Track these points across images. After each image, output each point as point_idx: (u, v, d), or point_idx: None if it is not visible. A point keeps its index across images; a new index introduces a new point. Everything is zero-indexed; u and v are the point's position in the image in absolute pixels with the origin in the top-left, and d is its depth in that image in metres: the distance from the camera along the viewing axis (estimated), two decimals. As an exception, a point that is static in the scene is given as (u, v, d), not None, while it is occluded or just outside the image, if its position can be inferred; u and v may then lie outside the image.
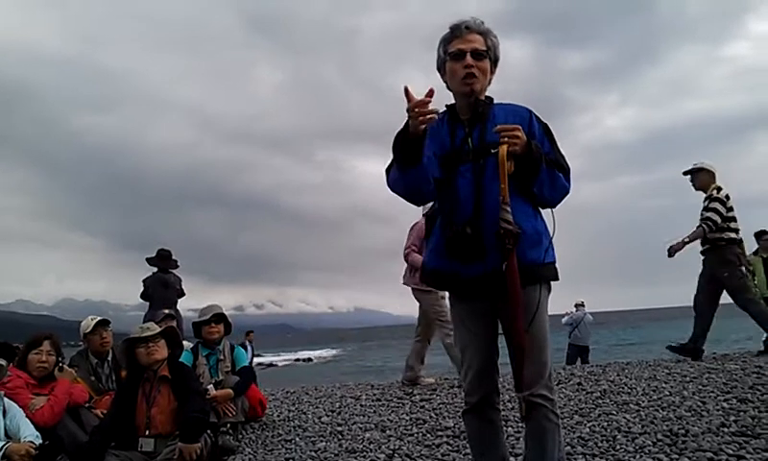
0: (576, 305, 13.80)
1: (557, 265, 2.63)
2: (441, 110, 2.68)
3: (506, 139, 2.37)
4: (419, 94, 2.27)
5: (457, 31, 2.60)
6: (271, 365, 37.63)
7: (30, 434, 3.69)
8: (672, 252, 6.61)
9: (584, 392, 5.23)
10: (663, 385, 5.25)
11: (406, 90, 2.27)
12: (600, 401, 4.85)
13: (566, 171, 2.58)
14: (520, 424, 4.33)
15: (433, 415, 4.99)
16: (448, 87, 2.68)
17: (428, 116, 2.25)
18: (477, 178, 2.51)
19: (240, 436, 4.83)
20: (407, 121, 2.30)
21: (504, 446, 2.79)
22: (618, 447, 3.68)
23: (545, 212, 2.65)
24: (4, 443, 3.53)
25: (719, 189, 6.78)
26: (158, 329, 4.13)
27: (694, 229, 6.70)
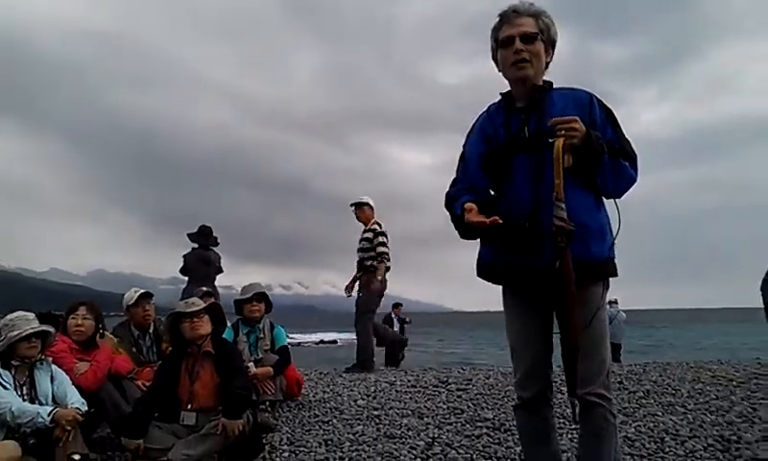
0: (609, 302, 13.60)
1: (616, 261, 2.53)
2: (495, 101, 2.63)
3: (562, 132, 2.27)
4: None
5: (505, 17, 2.51)
6: (299, 345, 38.02)
7: (76, 401, 3.73)
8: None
9: (626, 391, 5.12)
10: (708, 388, 5.12)
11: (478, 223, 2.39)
12: (644, 402, 4.75)
13: (632, 159, 2.44)
14: (567, 421, 4.25)
15: (470, 405, 4.94)
16: (505, 76, 2.57)
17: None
18: (536, 170, 2.41)
19: (277, 414, 4.84)
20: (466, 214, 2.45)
21: (556, 442, 2.72)
22: (667, 449, 3.60)
23: (609, 204, 2.55)
24: (52, 408, 3.57)
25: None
26: (203, 305, 4.13)
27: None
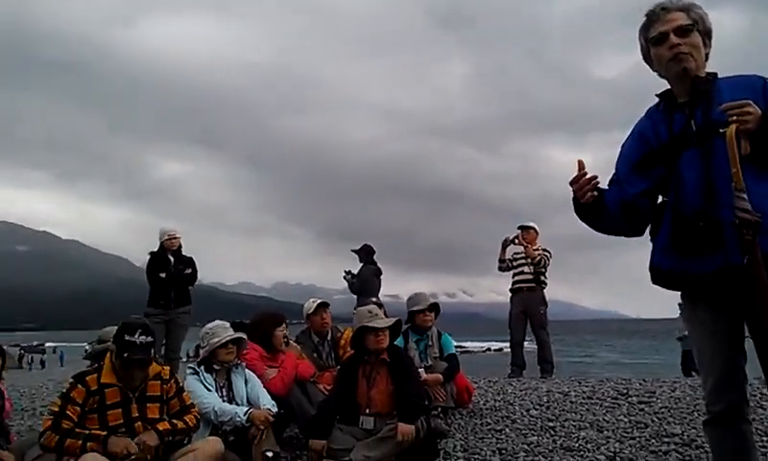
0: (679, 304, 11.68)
1: None
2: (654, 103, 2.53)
3: (735, 118, 2.10)
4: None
5: (653, 15, 2.41)
6: (467, 352, 38.15)
7: (268, 402, 4.10)
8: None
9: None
10: None
11: (580, 164, 2.44)
12: None
13: None
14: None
15: (655, 419, 4.60)
16: (661, 75, 2.46)
17: (586, 193, 2.41)
18: (705, 162, 2.26)
19: (449, 421, 4.90)
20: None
21: (759, 462, 2.46)
22: None
23: None
24: (248, 408, 3.95)
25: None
26: (389, 323, 4.29)
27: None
